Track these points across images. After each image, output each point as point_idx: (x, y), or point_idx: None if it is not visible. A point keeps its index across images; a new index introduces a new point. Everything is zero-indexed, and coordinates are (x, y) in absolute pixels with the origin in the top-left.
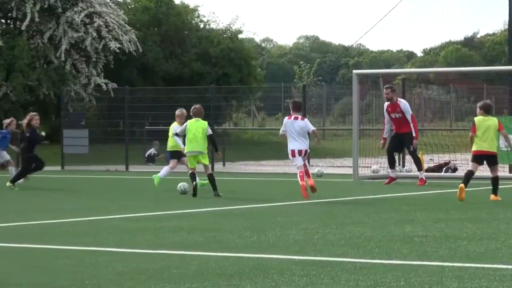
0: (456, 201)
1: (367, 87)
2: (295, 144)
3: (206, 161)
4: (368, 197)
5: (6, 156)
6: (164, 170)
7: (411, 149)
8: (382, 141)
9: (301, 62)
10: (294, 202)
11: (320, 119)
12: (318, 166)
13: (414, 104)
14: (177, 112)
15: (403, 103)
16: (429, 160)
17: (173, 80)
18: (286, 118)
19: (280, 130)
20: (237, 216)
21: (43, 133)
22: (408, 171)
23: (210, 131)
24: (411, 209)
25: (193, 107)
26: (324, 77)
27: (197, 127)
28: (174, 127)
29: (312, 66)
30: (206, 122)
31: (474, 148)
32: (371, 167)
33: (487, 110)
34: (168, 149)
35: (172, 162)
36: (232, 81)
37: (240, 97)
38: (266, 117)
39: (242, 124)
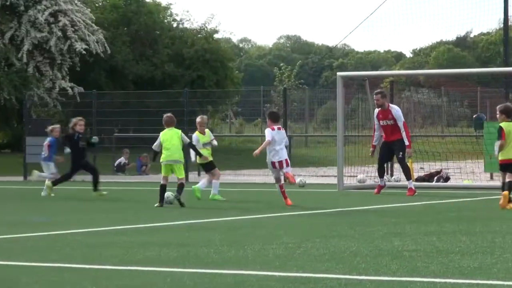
0: (448, 213)
1: (353, 90)
2: (283, 153)
3: (181, 174)
4: (354, 209)
5: (53, 168)
6: (203, 182)
7: (400, 156)
8: (371, 149)
9: (282, 64)
10: (275, 214)
11: (302, 125)
12: (300, 176)
13: (403, 108)
14: (198, 119)
15: (395, 109)
16: (419, 168)
17: (144, 83)
18: (269, 130)
19: (267, 140)
20: (213, 230)
21: (95, 138)
22: (397, 181)
23: (187, 139)
24: (400, 221)
25: (164, 116)
26: (307, 80)
27: (172, 135)
28: (194, 137)
29: (294, 68)
30: (180, 131)
31: (501, 157)
32: (357, 176)
33: (509, 114)
34: (198, 162)
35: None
36: (208, 84)
37: (216, 101)
38: (244, 123)
39: (219, 130)
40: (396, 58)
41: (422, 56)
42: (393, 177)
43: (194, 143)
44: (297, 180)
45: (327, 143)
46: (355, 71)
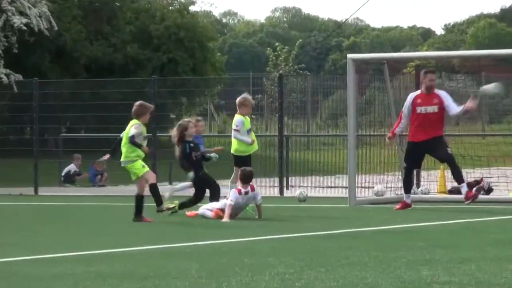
0: (490, 234)
1: (368, 77)
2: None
3: (133, 174)
4: (369, 229)
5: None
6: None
7: (448, 151)
8: (389, 135)
9: (277, 44)
10: (268, 237)
11: (303, 121)
12: (301, 187)
13: None
14: (241, 99)
15: (443, 93)
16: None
17: (101, 69)
18: (235, 193)
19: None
20: (189, 256)
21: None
22: (425, 193)
23: (132, 131)
24: (429, 245)
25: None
26: (309, 64)
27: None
28: (239, 121)
29: (292, 49)
30: (133, 121)
31: None
32: (373, 187)
33: None
34: (235, 154)
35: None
36: (182, 70)
37: (193, 92)
38: (228, 120)
39: None
40: (424, 36)
41: (457, 33)
42: (419, 189)
43: (239, 128)
44: (297, 192)
45: (335, 145)
46: (371, 52)
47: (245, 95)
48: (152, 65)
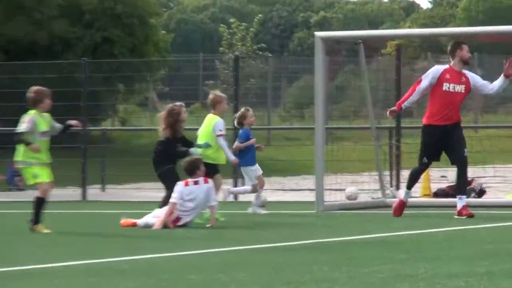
0: (482, 245)
1: (340, 59)
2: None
3: (28, 178)
4: (340, 239)
5: (255, 174)
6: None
7: (464, 154)
8: (394, 108)
9: (232, 20)
10: (217, 249)
11: (263, 112)
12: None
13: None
14: (216, 97)
15: (469, 73)
16: (440, 177)
17: (21, 50)
18: (181, 186)
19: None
20: (124, 273)
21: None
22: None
23: (22, 126)
24: (410, 257)
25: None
26: (270, 43)
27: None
28: (220, 123)
29: (251, 26)
30: (28, 114)
31: None
32: (345, 189)
33: None
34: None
35: (216, 178)
36: (119, 51)
37: (132, 77)
38: None
39: (135, 121)
40: (406, 11)
41: (446, 7)
42: (399, 191)
43: (223, 132)
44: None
45: (300, 140)
46: (344, 29)
47: (213, 91)
48: (83, 45)
